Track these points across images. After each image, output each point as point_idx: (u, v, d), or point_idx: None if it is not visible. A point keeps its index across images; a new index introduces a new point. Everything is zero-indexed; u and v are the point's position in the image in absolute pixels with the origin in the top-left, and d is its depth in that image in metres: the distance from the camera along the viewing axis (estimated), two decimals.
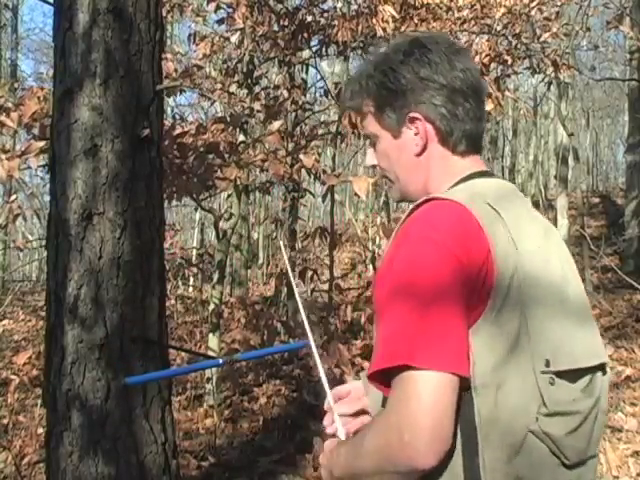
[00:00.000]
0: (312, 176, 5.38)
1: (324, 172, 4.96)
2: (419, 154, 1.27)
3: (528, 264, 1.13)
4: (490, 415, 1.08)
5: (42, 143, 3.51)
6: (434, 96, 1.23)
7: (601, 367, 1.20)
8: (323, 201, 5.94)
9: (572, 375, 1.14)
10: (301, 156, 4.72)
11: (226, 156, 4.27)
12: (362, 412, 1.36)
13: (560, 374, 1.12)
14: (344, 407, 1.36)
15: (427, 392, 1.03)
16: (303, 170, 5.37)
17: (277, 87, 6.32)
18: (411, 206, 1.21)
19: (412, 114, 1.25)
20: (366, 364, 4.50)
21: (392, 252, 1.16)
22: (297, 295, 1.42)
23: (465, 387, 1.07)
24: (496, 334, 1.09)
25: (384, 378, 1.10)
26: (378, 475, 1.12)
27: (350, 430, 1.32)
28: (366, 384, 1.27)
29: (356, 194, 3.98)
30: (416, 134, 1.26)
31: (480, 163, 1.30)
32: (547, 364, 1.10)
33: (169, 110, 9.06)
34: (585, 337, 1.18)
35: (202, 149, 4.25)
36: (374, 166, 1.37)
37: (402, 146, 1.28)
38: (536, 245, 1.18)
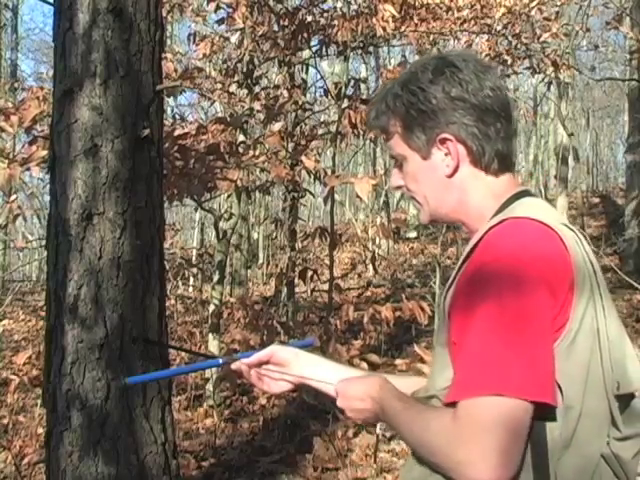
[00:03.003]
0: (312, 176, 5.38)
1: (325, 173, 4.96)
2: (450, 175, 1.24)
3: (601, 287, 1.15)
4: (567, 440, 1.08)
5: (44, 152, 3.48)
6: (465, 116, 1.21)
7: None
8: (325, 203, 5.94)
9: (627, 398, 1.14)
10: (302, 158, 4.71)
11: (226, 157, 4.26)
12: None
13: (622, 397, 1.12)
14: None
15: (508, 419, 1.02)
16: (303, 170, 5.38)
17: (277, 87, 6.31)
18: (490, 223, 1.16)
19: (443, 135, 1.22)
20: (364, 365, 4.48)
21: (476, 270, 1.12)
22: None
23: (542, 414, 1.06)
24: (575, 358, 1.09)
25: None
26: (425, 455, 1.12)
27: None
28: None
29: (357, 196, 3.97)
30: (447, 155, 1.23)
31: (517, 181, 1.28)
32: (618, 387, 1.10)
33: (169, 110, 9.05)
34: (634, 360, 1.18)
35: (203, 150, 4.24)
36: (399, 187, 1.32)
37: (432, 167, 1.25)
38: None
